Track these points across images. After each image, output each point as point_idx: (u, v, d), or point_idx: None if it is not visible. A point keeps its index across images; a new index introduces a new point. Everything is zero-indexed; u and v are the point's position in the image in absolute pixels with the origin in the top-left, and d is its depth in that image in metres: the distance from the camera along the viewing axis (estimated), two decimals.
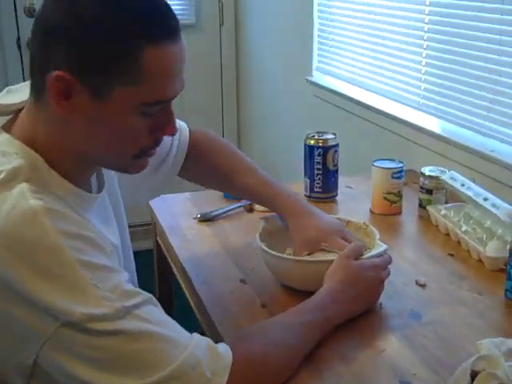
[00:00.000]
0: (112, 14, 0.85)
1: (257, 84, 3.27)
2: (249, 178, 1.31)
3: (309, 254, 1.19)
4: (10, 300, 0.82)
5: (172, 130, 0.97)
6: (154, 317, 0.85)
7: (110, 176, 1.11)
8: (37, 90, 0.91)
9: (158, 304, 0.89)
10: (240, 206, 1.58)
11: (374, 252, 1.15)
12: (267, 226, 1.26)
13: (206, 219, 1.52)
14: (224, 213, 1.55)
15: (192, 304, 1.28)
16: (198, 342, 0.86)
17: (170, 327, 0.86)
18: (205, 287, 1.22)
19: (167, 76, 0.89)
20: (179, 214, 1.58)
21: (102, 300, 0.81)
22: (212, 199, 1.65)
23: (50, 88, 0.87)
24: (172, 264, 1.47)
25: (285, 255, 1.19)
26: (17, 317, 0.82)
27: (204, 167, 1.34)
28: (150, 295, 0.88)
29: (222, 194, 1.67)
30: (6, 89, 1.06)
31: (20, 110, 0.97)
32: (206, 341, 0.88)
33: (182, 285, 1.36)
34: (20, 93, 1.00)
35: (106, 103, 0.88)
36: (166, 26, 0.89)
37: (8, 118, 0.97)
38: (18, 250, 0.81)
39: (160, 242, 1.60)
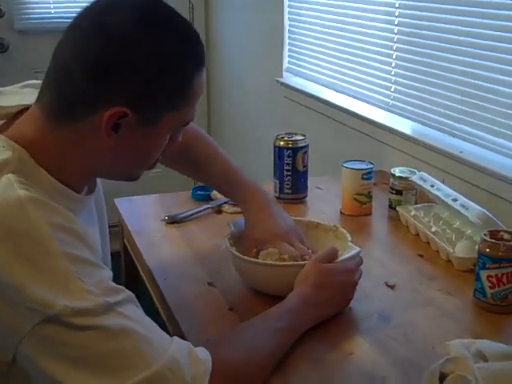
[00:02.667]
0: (170, 48, 0.90)
1: (227, 85, 3.26)
2: (215, 166, 1.31)
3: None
4: None
5: (179, 140, 1.02)
6: (136, 316, 0.84)
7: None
8: (68, 115, 0.90)
9: (139, 304, 0.88)
10: (208, 208, 1.56)
11: (346, 255, 1.13)
12: (235, 231, 1.24)
13: (173, 221, 1.50)
14: (192, 215, 1.53)
15: (159, 307, 1.25)
16: (178, 346, 0.84)
17: (151, 328, 0.84)
18: (171, 291, 1.19)
19: (200, 96, 0.96)
20: (146, 216, 1.55)
21: (86, 293, 0.79)
22: (180, 201, 1.63)
23: (105, 123, 0.87)
24: (139, 267, 1.44)
25: (259, 260, 1.16)
26: None
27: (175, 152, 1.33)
28: (132, 294, 0.86)
29: (189, 195, 1.65)
30: None
31: (14, 115, 0.96)
32: (186, 344, 0.86)
33: (149, 288, 1.33)
34: (10, 96, 1.01)
35: (150, 129, 0.92)
36: (204, 53, 0.96)
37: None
38: (3, 237, 0.80)
39: (127, 244, 1.57)
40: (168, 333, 1.12)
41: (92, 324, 0.78)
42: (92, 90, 0.87)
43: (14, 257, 0.79)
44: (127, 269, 1.66)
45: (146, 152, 0.97)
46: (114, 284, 0.85)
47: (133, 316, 0.82)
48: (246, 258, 1.14)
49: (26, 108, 0.96)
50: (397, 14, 1.85)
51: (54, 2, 3.13)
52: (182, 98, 0.93)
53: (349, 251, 1.14)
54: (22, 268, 0.79)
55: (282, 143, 1.61)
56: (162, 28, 0.90)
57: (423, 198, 1.50)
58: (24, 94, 1.01)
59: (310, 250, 1.19)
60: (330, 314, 1.08)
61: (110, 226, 1.21)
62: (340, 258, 1.11)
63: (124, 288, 0.86)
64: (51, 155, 0.91)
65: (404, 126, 1.84)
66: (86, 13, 0.91)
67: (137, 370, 0.79)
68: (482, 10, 1.52)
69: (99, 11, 0.90)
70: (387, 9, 1.89)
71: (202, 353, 0.86)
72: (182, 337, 1.04)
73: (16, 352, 0.81)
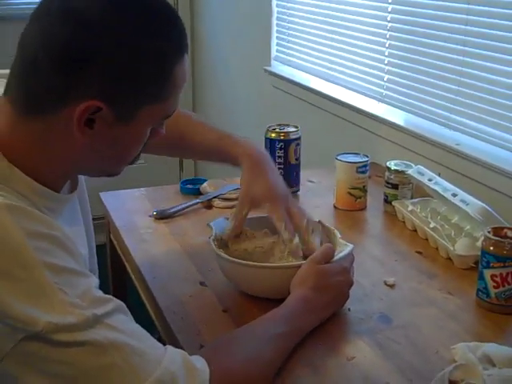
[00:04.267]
0: (146, 34, 0.82)
1: (213, 74, 3.20)
2: (203, 134, 1.28)
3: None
4: None
5: (163, 133, 0.95)
6: (126, 327, 0.78)
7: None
8: (37, 109, 0.82)
9: (129, 313, 0.82)
10: (198, 203, 1.51)
11: (342, 253, 1.08)
12: (218, 232, 1.18)
13: (162, 217, 1.44)
14: (181, 210, 1.48)
15: (149, 308, 1.20)
16: (172, 356, 0.78)
17: (143, 339, 0.79)
18: (162, 291, 1.14)
19: (184, 85, 0.89)
20: (134, 211, 1.50)
21: (70, 307, 0.73)
22: (168, 195, 1.58)
23: (77, 118, 0.80)
24: (127, 264, 1.39)
25: (249, 262, 1.09)
26: None
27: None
28: (122, 303, 0.80)
29: (177, 188, 1.60)
30: None
31: None
32: (181, 354, 0.80)
33: (138, 288, 1.28)
34: None
35: (128, 124, 0.85)
36: (186, 38, 0.89)
37: None
38: None
39: (114, 240, 1.52)
40: (158, 334, 1.09)
41: (79, 339, 0.73)
42: (60, 82, 0.80)
43: None
44: (113, 263, 1.60)
45: (124, 148, 0.90)
46: (100, 293, 0.79)
47: (122, 327, 0.77)
48: (237, 260, 1.08)
49: None
50: (390, 0, 1.80)
51: None
52: (162, 90, 0.86)
53: (342, 249, 1.10)
54: None
55: (273, 135, 1.55)
56: (136, 12, 0.82)
57: (419, 191, 1.46)
58: None
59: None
60: (328, 316, 1.04)
61: (94, 219, 1.15)
62: (336, 257, 1.07)
63: (112, 297, 0.80)
64: (25, 153, 0.84)
65: (398, 117, 1.80)
66: None
67: None
68: None
69: None
70: None
71: (199, 362, 0.81)
72: (175, 339, 1.01)
73: None
